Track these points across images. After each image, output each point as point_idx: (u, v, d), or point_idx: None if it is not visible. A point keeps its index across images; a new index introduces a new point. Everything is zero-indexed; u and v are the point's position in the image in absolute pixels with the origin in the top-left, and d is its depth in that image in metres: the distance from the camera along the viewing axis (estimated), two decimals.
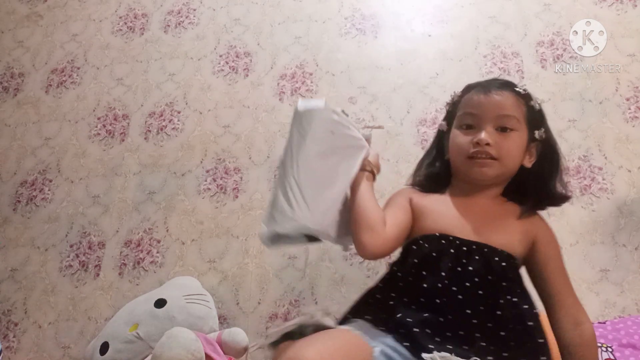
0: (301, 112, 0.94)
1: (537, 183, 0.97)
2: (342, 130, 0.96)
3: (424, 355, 0.73)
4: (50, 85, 1.94)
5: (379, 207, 0.93)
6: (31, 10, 2.14)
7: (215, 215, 1.59)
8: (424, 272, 0.86)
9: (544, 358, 0.81)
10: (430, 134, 1.61)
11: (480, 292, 0.83)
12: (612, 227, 1.41)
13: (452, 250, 0.88)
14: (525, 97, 0.94)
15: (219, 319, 1.38)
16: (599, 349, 1.08)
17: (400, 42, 1.80)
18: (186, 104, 1.81)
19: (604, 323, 1.19)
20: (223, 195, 1.62)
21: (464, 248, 0.88)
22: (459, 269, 0.85)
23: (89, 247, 1.61)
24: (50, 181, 1.75)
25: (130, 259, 1.57)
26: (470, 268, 0.85)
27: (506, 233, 0.92)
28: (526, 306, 0.85)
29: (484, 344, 0.78)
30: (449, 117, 1.02)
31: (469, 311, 0.81)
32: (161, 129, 1.77)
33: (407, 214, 0.96)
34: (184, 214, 1.61)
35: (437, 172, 1.03)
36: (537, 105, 0.96)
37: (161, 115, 1.80)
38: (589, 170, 1.49)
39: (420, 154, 1.56)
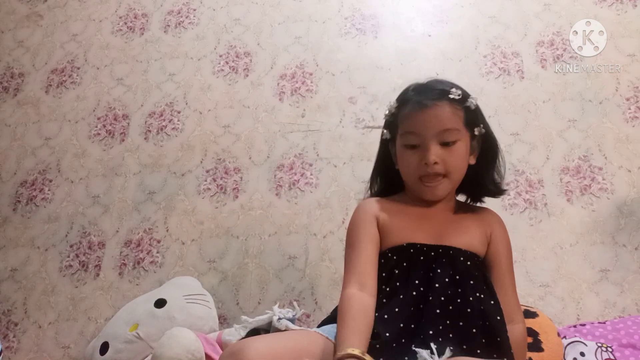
0: None
1: (476, 175, 1.00)
2: None
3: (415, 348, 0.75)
4: (50, 85, 1.94)
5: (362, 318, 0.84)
6: (31, 10, 2.14)
7: (215, 215, 1.59)
8: (398, 284, 0.88)
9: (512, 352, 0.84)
10: None
11: (449, 291, 0.85)
12: (612, 227, 1.41)
13: (421, 258, 0.90)
14: (461, 101, 0.95)
15: (219, 319, 1.38)
16: (599, 349, 1.08)
17: (400, 42, 1.80)
18: (186, 104, 1.81)
19: (604, 323, 1.19)
20: (223, 195, 1.62)
21: (432, 253, 0.90)
22: (431, 274, 0.87)
23: (89, 247, 1.61)
24: (50, 181, 1.75)
25: (130, 259, 1.57)
26: (439, 271, 0.87)
27: (467, 234, 0.95)
28: (492, 302, 0.88)
29: (457, 342, 0.80)
30: (389, 126, 1.02)
31: (438, 311, 0.83)
32: (161, 129, 1.77)
33: (377, 240, 0.95)
34: (184, 214, 1.61)
35: (392, 182, 1.05)
36: (472, 104, 0.96)
37: (161, 115, 1.80)
38: (589, 170, 1.49)
39: None
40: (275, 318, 0.90)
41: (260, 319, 0.96)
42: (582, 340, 1.10)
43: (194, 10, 2.00)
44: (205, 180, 1.65)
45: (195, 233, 1.58)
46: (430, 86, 0.98)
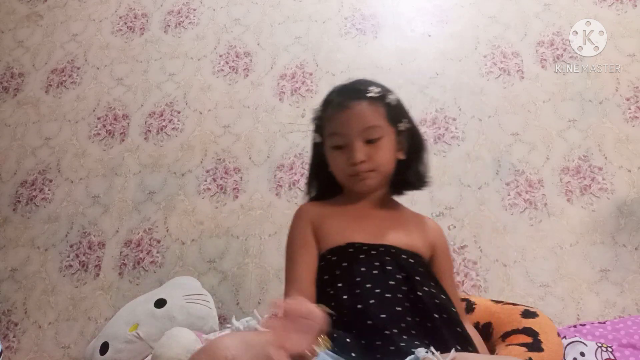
0: None
1: (401, 168, 1.02)
2: None
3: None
4: (50, 85, 1.94)
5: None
6: (31, 10, 2.14)
7: (215, 215, 1.59)
8: (340, 284, 0.87)
9: (471, 348, 0.84)
10: (430, 134, 1.62)
11: (403, 288, 0.85)
12: (612, 227, 1.41)
13: (362, 256, 0.90)
14: (380, 98, 0.97)
15: (219, 319, 1.38)
16: (599, 349, 1.08)
17: (400, 42, 1.80)
18: (186, 104, 1.81)
19: (604, 323, 1.19)
20: (223, 195, 1.62)
21: (373, 252, 0.91)
22: (375, 272, 0.87)
23: (89, 247, 1.61)
24: (50, 181, 1.75)
25: (130, 259, 1.57)
26: (389, 267, 0.88)
27: (408, 235, 0.97)
28: (443, 296, 0.89)
29: (422, 338, 0.79)
30: (318, 129, 1.04)
31: (399, 309, 0.82)
32: (161, 129, 1.77)
33: (313, 246, 0.96)
34: (184, 214, 1.61)
35: (327, 184, 1.07)
36: (393, 100, 0.99)
37: (161, 115, 1.80)
38: (589, 170, 1.49)
39: None
40: (240, 326, 0.89)
41: (218, 334, 0.96)
42: (582, 340, 1.10)
43: (194, 10, 2.00)
44: (205, 180, 1.65)
45: (195, 233, 1.58)
46: (351, 87, 1.01)
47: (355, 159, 0.94)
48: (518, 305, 1.13)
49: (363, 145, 0.94)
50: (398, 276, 0.86)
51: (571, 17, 1.73)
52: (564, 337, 1.12)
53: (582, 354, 1.07)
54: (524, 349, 0.98)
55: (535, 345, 1.05)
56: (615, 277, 1.34)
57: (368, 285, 0.85)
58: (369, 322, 0.80)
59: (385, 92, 0.98)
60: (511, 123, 1.59)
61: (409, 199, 1.12)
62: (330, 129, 0.98)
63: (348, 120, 0.95)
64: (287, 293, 0.89)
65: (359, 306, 0.82)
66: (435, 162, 1.57)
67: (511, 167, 1.52)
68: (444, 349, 0.72)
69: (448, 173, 1.55)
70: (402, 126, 0.99)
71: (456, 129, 1.61)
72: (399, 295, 0.84)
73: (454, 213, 1.48)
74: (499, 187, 1.50)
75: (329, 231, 0.96)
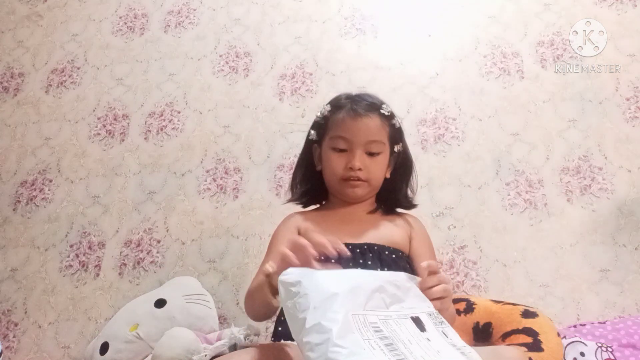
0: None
1: (390, 188, 1.08)
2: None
3: None
4: (50, 85, 1.94)
5: None
6: (31, 10, 2.14)
7: (215, 215, 1.59)
8: None
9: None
10: (430, 133, 1.61)
11: None
12: (612, 227, 1.40)
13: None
14: (389, 118, 1.03)
15: (219, 319, 1.38)
16: (599, 349, 1.08)
17: (400, 42, 1.80)
18: (186, 104, 1.81)
19: (604, 323, 1.19)
20: (223, 195, 1.62)
21: (357, 250, 0.94)
22: (357, 268, 0.89)
23: (89, 247, 1.61)
24: (50, 181, 1.75)
25: (130, 259, 1.57)
26: (370, 263, 0.91)
27: (388, 232, 1.01)
28: None
29: None
30: (318, 127, 1.07)
31: None
32: (161, 129, 1.77)
33: None
34: (184, 214, 1.61)
35: (312, 187, 1.11)
36: (397, 123, 1.05)
37: (161, 115, 1.80)
38: (589, 170, 1.49)
39: (420, 154, 1.57)
40: (240, 337, 0.90)
41: (219, 344, 0.97)
42: (582, 340, 1.10)
43: (194, 10, 2.00)
44: (205, 180, 1.65)
45: (195, 233, 1.58)
46: (364, 98, 1.05)
47: (354, 165, 0.98)
48: (518, 305, 1.13)
49: (364, 155, 0.99)
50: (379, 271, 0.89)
51: (571, 17, 1.73)
52: (564, 337, 1.12)
53: (582, 354, 1.07)
54: (524, 348, 0.98)
55: (535, 345, 1.05)
56: (615, 277, 1.34)
57: None
58: None
59: (393, 114, 1.04)
60: (511, 123, 1.59)
61: None
62: (336, 131, 1.01)
63: (358, 128, 0.98)
64: (263, 263, 0.93)
65: None
66: (435, 162, 1.57)
67: (511, 167, 1.52)
68: None
69: (448, 173, 1.55)
70: (397, 149, 1.06)
71: (456, 129, 1.61)
72: None
73: (454, 213, 1.48)
74: (499, 187, 1.50)
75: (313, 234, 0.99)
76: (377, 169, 1.02)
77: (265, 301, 0.82)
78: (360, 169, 0.98)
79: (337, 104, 1.04)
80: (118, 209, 1.65)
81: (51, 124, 1.86)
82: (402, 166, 1.09)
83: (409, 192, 1.12)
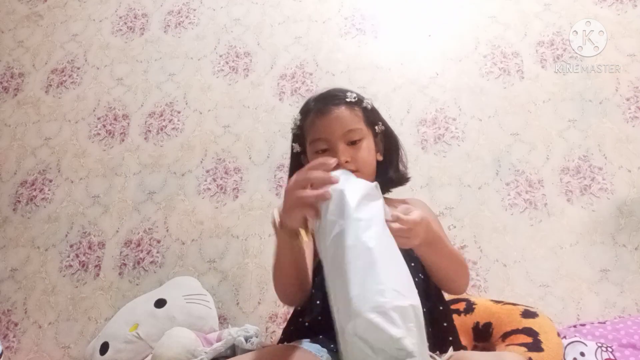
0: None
1: (383, 168, 1.07)
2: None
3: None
4: (50, 85, 1.94)
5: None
6: (31, 10, 2.14)
7: (215, 215, 1.59)
8: (313, 290, 0.92)
9: (451, 339, 0.87)
10: (430, 133, 1.61)
11: None
12: (612, 227, 1.41)
13: None
14: (357, 103, 1.02)
15: (219, 319, 1.38)
16: (599, 349, 1.08)
17: (400, 42, 1.80)
18: (186, 104, 1.81)
19: (604, 323, 1.19)
20: (223, 195, 1.62)
21: None
22: None
23: (89, 247, 1.61)
24: (50, 181, 1.75)
25: (130, 259, 1.57)
26: None
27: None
28: (435, 286, 0.92)
29: None
30: (297, 139, 1.07)
31: None
32: (161, 129, 1.77)
33: (311, 245, 1.02)
34: (184, 214, 1.61)
35: None
36: (368, 104, 1.04)
37: (161, 115, 1.80)
38: (589, 170, 1.49)
39: (420, 154, 1.58)
40: (240, 339, 0.89)
41: (218, 346, 0.97)
42: (582, 340, 1.10)
43: (194, 10, 2.00)
44: (205, 180, 1.65)
45: (195, 233, 1.58)
46: (328, 94, 1.05)
47: (340, 160, 0.96)
48: (518, 305, 1.13)
49: (346, 147, 0.98)
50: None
51: (571, 17, 1.73)
52: (564, 337, 1.12)
53: (582, 354, 1.07)
54: (524, 349, 0.98)
55: (535, 345, 1.05)
56: (615, 277, 1.34)
57: None
58: None
59: (361, 97, 1.04)
60: (511, 123, 1.59)
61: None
62: (313, 135, 1.01)
63: (330, 124, 0.98)
64: None
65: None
66: (435, 162, 1.57)
67: (511, 167, 1.52)
68: (430, 345, 0.75)
69: (448, 173, 1.55)
70: (378, 129, 1.05)
71: (456, 129, 1.61)
72: None
73: (454, 213, 1.48)
74: (499, 187, 1.50)
75: (309, 243, 0.99)
76: (365, 155, 1.00)
77: (290, 249, 0.89)
78: (347, 161, 0.97)
79: (305, 110, 1.05)
80: (118, 209, 1.65)
81: (51, 124, 1.86)
82: (388, 144, 1.09)
83: (401, 166, 1.11)
